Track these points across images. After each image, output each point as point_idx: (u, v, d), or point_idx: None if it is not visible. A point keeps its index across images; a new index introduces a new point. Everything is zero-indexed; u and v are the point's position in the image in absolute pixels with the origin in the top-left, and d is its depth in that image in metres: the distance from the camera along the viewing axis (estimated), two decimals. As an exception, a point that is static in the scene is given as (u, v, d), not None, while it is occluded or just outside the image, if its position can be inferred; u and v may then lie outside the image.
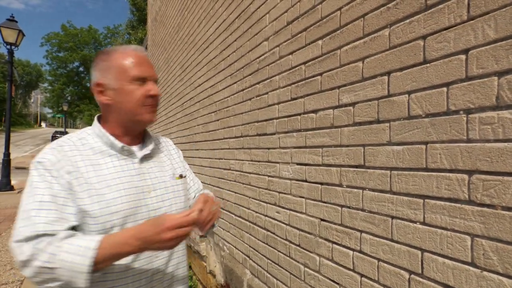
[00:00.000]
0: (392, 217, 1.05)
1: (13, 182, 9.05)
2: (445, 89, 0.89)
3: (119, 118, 0.94)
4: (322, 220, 1.39)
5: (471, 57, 0.83)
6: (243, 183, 2.17)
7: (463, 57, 0.85)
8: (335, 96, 1.32)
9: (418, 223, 0.96)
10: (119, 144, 0.94)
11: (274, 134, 1.79)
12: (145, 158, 0.99)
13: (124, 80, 0.92)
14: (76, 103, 43.72)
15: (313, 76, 1.46)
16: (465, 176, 0.84)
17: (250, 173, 2.07)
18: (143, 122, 0.96)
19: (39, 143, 34.59)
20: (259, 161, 1.96)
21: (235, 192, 2.30)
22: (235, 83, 2.34)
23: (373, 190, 1.13)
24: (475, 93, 0.82)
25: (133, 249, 0.77)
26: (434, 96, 0.92)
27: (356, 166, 1.21)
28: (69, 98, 44.62)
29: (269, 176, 1.84)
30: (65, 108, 24.22)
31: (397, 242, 1.03)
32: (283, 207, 1.71)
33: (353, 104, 1.23)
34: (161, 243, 0.76)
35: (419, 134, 0.96)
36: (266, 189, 1.87)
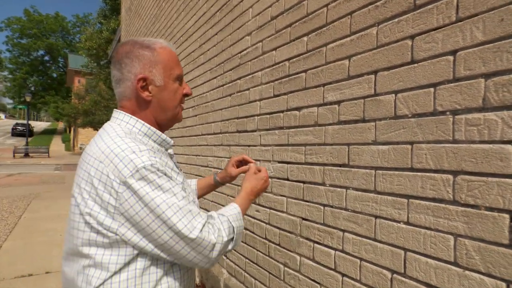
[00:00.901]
0: (376, 217, 1.05)
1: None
2: (432, 89, 0.90)
3: (156, 115, 0.90)
4: (303, 219, 1.38)
5: (459, 59, 0.83)
6: (221, 181, 2.12)
7: (451, 58, 0.85)
8: (320, 94, 1.30)
9: (402, 222, 0.97)
10: (170, 141, 0.93)
11: (255, 131, 1.76)
12: None
13: (170, 77, 0.89)
14: (41, 94, 41.15)
15: (298, 73, 1.43)
16: (450, 177, 0.84)
17: (229, 170, 2.02)
18: (177, 120, 0.96)
19: (-3, 136, 32.22)
20: (239, 159, 1.91)
21: (215, 190, 2.24)
22: (214, 78, 2.28)
23: (357, 190, 1.13)
24: (462, 94, 0.82)
25: (250, 202, 1.01)
26: (421, 96, 0.92)
27: (340, 165, 1.20)
28: (32, 88, 41.90)
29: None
30: (28, 99, 22.65)
31: (380, 241, 1.03)
32: (263, 206, 1.68)
33: (338, 103, 1.21)
34: (264, 189, 1.06)
35: (405, 134, 0.97)
36: (245, 187, 1.83)
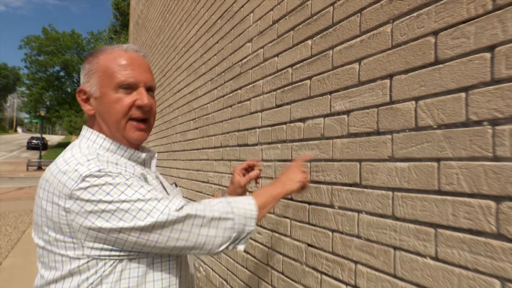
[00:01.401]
0: (395, 248, 0.87)
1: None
2: (463, 94, 0.73)
3: (106, 130, 0.81)
4: (309, 245, 1.20)
5: (499, 55, 0.67)
6: (221, 199, 1.96)
7: (487, 55, 0.69)
8: (327, 103, 1.15)
9: (428, 257, 0.78)
10: (140, 154, 0.84)
11: (256, 145, 1.60)
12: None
13: (108, 86, 0.78)
14: (56, 108, 42.24)
15: (301, 80, 1.29)
16: (492, 203, 0.67)
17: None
18: (128, 137, 0.81)
19: (12, 149, 33.05)
20: (239, 175, 1.75)
21: (213, 208, 2.08)
22: (215, 88, 2.15)
23: (371, 214, 0.95)
24: (504, 99, 0.66)
25: (277, 198, 0.91)
26: (449, 103, 0.76)
27: (351, 185, 1.03)
28: (48, 103, 43.10)
29: (249, 192, 1.64)
30: (42, 113, 23.21)
31: (401, 279, 0.85)
32: (265, 228, 1.50)
33: (347, 112, 1.06)
34: (301, 189, 1.02)
35: (429, 148, 0.80)
36: (246, 206, 1.66)
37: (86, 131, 0.81)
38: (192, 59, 2.64)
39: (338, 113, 1.09)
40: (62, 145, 40.84)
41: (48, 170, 0.71)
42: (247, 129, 1.70)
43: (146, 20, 4.88)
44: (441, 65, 0.78)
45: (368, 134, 0.98)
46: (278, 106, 1.44)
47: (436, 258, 0.77)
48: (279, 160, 1.42)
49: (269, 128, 1.50)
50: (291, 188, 0.97)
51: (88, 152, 0.73)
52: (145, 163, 0.87)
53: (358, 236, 0.99)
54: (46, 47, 42.69)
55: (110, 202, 0.65)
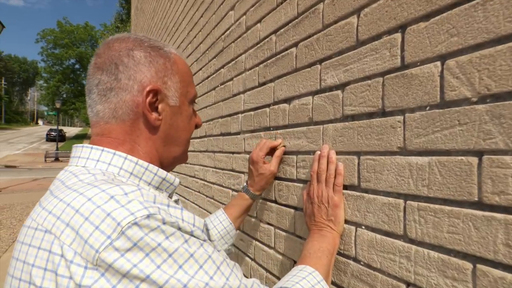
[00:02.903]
0: (408, 284, 0.58)
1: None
2: (528, 41, 0.43)
3: (162, 150, 0.60)
4: (296, 262, 0.93)
5: None
6: (206, 196, 1.71)
7: None
8: (316, 76, 0.85)
9: (460, 307, 0.50)
10: (175, 179, 0.62)
11: (239, 133, 1.33)
12: None
13: (186, 97, 0.63)
14: (72, 101, 43.09)
15: (286, 49, 0.99)
16: None
17: (213, 183, 1.60)
18: (185, 160, 0.67)
19: (33, 141, 34.09)
20: (222, 169, 1.49)
21: (199, 206, 1.83)
22: (200, 69, 1.88)
23: (374, 230, 0.67)
24: None
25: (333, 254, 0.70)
26: (502, 58, 0.45)
27: (346, 187, 0.74)
28: (64, 95, 44.01)
29: (233, 189, 1.37)
30: (58, 105, 23.60)
31: (416, 331, 0.57)
32: (247, 234, 1.24)
33: (342, 86, 0.76)
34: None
35: (464, 135, 0.50)
36: (230, 206, 1.40)
37: (94, 152, 0.54)
38: (180, 39, 2.37)
39: (330, 88, 0.80)
40: (80, 137, 41.82)
41: (43, 213, 0.45)
42: (229, 115, 1.42)
43: (144, 2, 4.62)
44: (489, 3, 0.47)
45: (370, 115, 0.68)
46: (261, 84, 1.15)
47: (473, 311, 0.48)
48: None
49: (252, 113, 1.21)
50: (339, 236, 0.74)
51: (109, 178, 0.49)
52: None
53: (356, 259, 0.71)
54: (61, 40, 43.40)
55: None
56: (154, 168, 0.57)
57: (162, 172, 0.58)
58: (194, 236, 0.45)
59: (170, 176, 0.59)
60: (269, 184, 0.97)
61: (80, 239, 0.40)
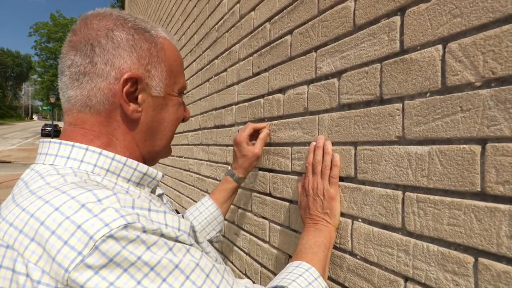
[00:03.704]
0: (406, 279, 0.56)
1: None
2: (537, 19, 0.40)
3: (142, 144, 0.55)
4: (291, 257, 0.91)
5: None
6: (201, 190, 1.68)
7: None
8: (311, 64, 0.82)
9: (461, 302, 0.47)
10: (157, 173, 0.55)
11: (233, 125, 1.29)
12: None
13: (173, 88, 0.57)
14: (67, 96, 42.62)
15: (280, 37, 0.96)
16: None
17: (208, 177, 1.57)
18: (168, 154, 0.62)
19: (28, 136, 33.77)
20: (216, 162, 1.46)
21: (194, 200, 1.80)
22: (194, 61, 1.83)
23: (371, 223, 0.64)
24: None
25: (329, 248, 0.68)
26: (507, 40, 0.42)
27: (342, 179, 0.72)
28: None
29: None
30: (52, 100, 23.38)
31: (415, 327, 0.54)
32: (242, 229, 1.22)
33: (338, 74, 0.73)
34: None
35: (467, 122, 0.47)
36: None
37: (64, 147, 0.48)
38: (174, 30, 2.32)
39: (326, 77, 0.77)
40: (75, 132, 41.20)
41: (3, 224, 0.40)
42: (223, 107, 1.39)
43: (137, -5, 4.53)
44: (492, -27, 0.44)
45: (367, 104, 0.65)
46: (255, 74, 1.12)
47: (475, 306, 0.46)
48: (257, 145, 1.11)
49: (246, 104, 1.18)
50: (335, 230, 0.72)
51: (81, 180, 0.43)
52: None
53: (352, 253, 0.69)
54: (54, 34, 42.81)
55: None
56: (133, 162, 0.51)
57: (143, 167, 0.52)
58: (180, 242, 0.42)
59: (151, 170, 0.54)
60: (252, 167, 0.95)
61: (47, 256, 0.36)
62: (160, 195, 0.61)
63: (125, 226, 0.37)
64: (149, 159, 0.58)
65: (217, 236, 0.95)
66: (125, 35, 0.51)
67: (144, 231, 0.38)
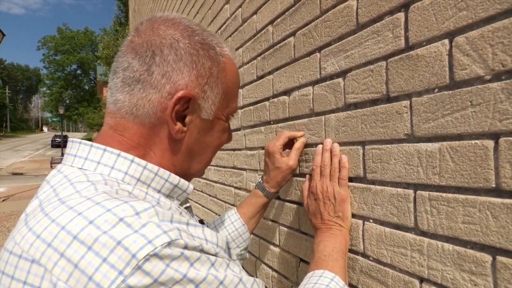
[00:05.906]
0: (422, 280, 0.55)
1: (1, 189, 8.66)
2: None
3: (179, 164, 0.52)
4: (302, 260, 0.90)
5: None
6: (209, 195, 1.68)
7: None
8: (315, 64, 0.81)
9: (480, 303, 0.46)
10: (189, 185, 0.53)
11: (239, 129, 1.29)
12: None
13: (224, 112, 0.54)
14: (75, 106, 43.35)
15: (283, 39, 0.95)
16: None
17: (216, 182, 1.57)
18: (195, 177, 0.59)
19: (38, 148, 34.37)
20: (224, 167, 1.46)
21: (202, 206, 1.81)
22: (198, 66, 1.84)
23: (383, 223, 0.63)
24: None
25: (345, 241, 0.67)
26: (516, 29, 0.41)
27: (351, 179, 0.71)
28: (67, 101, 44.32)
29: (235, 187, 1.34)
30: (61, 111, 23.73)
31: (432, 329, 0.53)
32: (252, 233, 1.21)
33: (343, 74, 0.72)
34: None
35: (477, 117, 0.46)
36: (233, 205, 1.37)
37: (95, 152, 0.46)
38: (177, 37, 2.34)
39: (331, 77, 0.76)
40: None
41: (30, 236, 0.37)
42: (229, 111, 1.39)
43: (141, 4, 4.60)
44: (497, -36, 0.43)
45: (374, 102, 0.64)
46: (259, 77, 1.11)
47: (494, 306, 0.44)
48: (263, 148, 1.10)
49: (251, 108, 1.18)
50: (349, 233, 0.71)
51: (113, 189, 0.41)
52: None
53: (364, 255, 0.67)
54: (62, 47, 43.66)
55: None
56: (165, 173, 0.48)
57: (174, 178, 0.50)
58: (219, 257, 0.41)
59: (183, 182, 0.51)
60: (286, 181, 0.83)
61: (80, 275, 0.33)
62: (187, 208, 0.58)
63: (169, 244, 0.35)
64: (181, 177, 0.54)
65: (241, 254, 0.86)
66: (190, 49, 0.48)
67: (186, 247, 0.37)
